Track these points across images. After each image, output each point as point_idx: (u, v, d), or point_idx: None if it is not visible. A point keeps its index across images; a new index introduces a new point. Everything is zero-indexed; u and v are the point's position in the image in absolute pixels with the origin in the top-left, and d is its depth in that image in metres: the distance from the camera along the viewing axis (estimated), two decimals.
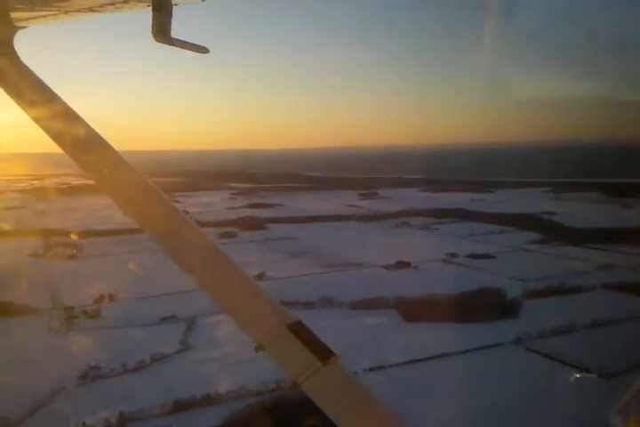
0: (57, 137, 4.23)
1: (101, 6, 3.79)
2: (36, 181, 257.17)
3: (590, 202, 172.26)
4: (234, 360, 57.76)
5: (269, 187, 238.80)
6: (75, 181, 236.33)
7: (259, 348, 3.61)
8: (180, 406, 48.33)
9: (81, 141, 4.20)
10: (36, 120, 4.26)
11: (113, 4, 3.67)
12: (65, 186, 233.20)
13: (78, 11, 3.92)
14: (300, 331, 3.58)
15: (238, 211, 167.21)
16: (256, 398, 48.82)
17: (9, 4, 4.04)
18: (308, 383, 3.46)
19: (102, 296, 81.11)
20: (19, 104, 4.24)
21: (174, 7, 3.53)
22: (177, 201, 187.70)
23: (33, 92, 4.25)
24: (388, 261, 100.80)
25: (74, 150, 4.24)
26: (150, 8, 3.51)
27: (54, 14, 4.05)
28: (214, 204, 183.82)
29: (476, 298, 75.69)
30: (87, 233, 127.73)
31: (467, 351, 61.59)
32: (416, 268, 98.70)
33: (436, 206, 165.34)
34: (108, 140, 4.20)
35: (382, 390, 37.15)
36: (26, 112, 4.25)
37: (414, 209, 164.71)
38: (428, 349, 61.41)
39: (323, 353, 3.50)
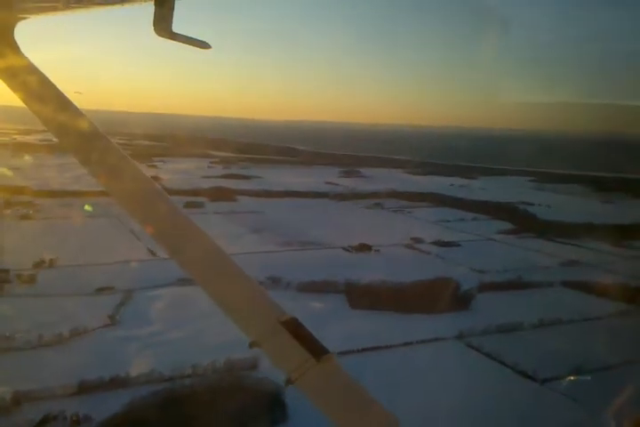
0: (56, 130, 4.08)
1: None
2: (17, 136, 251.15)
3: (571, 195, 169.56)
4: (157, 340, 55.14)
5: (252, 158, 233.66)
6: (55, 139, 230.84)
7: (253, 344, 3.53)
8: (84, 388, 45.21)
9: (80, 135, 4.08)
10: (35, 112, 4.12)
11: None
12: (45, 142, 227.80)
13: (80, 2, 3.91)
14: (294, 328, 3.53)
15: (213, 180, 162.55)
16: (164, 385, 45.91)
17: None
18: (302, 381, 3.43)
19: (43, 261, 77.85)
20: (18, 95, 4.10)
21: (177, 1, 3.47)
22: (153, 166, 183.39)
23: (33, 83, 4.13)
24: (349, 243, 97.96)
25: (73, 144, 4.11)
26: (152, 2, 3.46)
27: (56, 6, 3.99)
28: (190, 171, 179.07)
29: (430, 288, 72.87)
30: (51, 193, 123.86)
31: (404, 345, 58.94)
32: (377, 251, 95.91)
33: (415, 189, 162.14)
34: (108, 136, 4.08)
35: None
36: (25, 104, 4.13)
37: (392, 191, 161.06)
38: (365, 340, 58.64)
39: (317, 350, 3.47)
